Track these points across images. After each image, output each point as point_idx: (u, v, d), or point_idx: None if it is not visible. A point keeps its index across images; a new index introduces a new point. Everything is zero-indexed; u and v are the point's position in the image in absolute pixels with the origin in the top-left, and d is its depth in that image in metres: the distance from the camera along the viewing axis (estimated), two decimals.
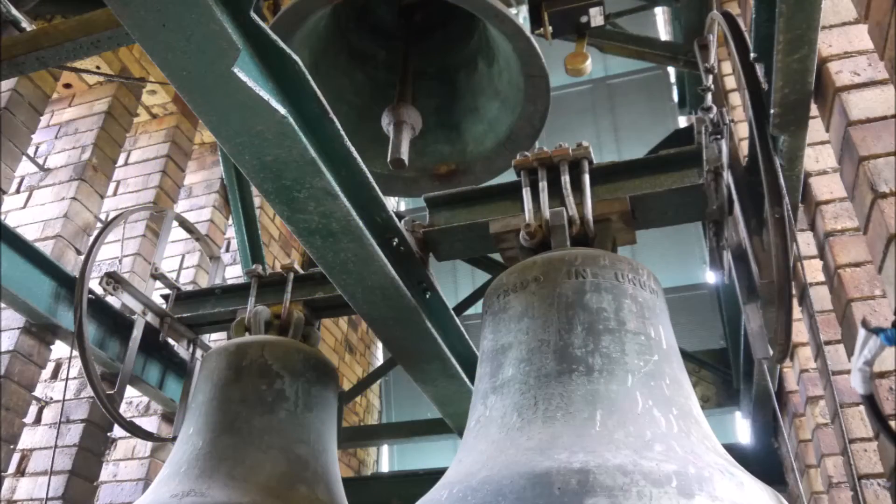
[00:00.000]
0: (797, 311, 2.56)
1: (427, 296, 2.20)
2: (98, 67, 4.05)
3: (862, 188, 1.59)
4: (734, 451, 2.26)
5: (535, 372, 1.56)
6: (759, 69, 1.66)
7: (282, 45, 1.44)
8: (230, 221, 4.42)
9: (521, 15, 2.10)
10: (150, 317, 2.91)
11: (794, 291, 1.72)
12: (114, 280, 2.80)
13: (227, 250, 4.75)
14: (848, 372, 2.08)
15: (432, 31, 2.51)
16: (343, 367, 6.05)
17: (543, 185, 1.99)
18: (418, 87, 2.38)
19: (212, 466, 2.02)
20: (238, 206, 3.77)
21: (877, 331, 1.23)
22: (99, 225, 3.81)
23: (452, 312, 2.34)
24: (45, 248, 3.39)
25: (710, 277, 6.22)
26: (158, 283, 3.04)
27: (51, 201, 3.72)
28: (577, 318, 1.62)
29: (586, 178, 1.98)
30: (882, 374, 1.72)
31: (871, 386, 1.28)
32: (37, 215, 3.68)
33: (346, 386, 5.64)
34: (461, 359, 2.48)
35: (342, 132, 1.65)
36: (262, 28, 1.38)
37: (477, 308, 3.96)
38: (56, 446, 3.29)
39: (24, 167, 3.91)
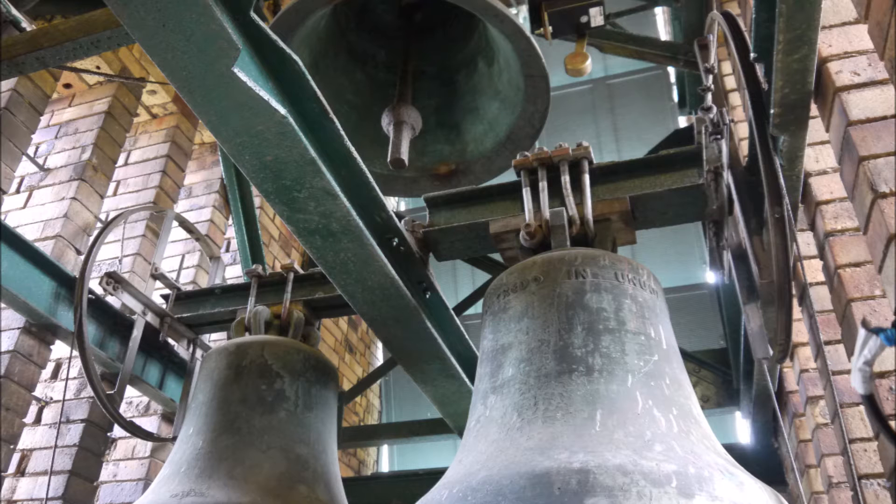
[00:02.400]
0: (797, 311, 2.56)
1: (427, 296, 2.20)
2: (98, 67, 4.05)
3: (862, 188, 1.59)
4: (734, 451, 2.26)
5: (535, 372, 1.56)
6: (759, 69, 1.66)
7: (282, 45, 1.44)
8: (230, 221, 4.42)
9: (521, 15, 2.10)
10: (150, 317, 2.91)
11: (794, 291, 1.72)
12: (114, 280, 2.80)
13: (227, 250, 4.75)
14: (848, 372, 2.09)
15: (432, 31, 2.51)
16: (343, 367, 6.05)
17: (543, 185, 1.99)
18: (418, 86, 2.38)
19: (212, 466, 2.02)
20: (238, 206, 3.77)
21: (877, 331, 1.23)
22: (99, 225, 3.81)
23: (452, 312, 2.34)
24: (45, 248, 3.39)
25: (710, 277, 6.22)
26: (158, 283, 3.04)
27: (51, 201, 3.73)
28: (577, 318, 1.62)
29: (586, 178, 1.98)
30: (882, 374, 1.72)
31: (871, 386, 1.28)
32: (37, 215, 3.68)
33: (346, 386, 5.64)
34: (461, 359, 2.48)
35: (342, 132, 1.65)
36: (262, 28, 1.38)
37: (477, 308, 3.97)
38: (56, 446, 3.29)
39: (24, 167, 3.92)
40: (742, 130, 2.98)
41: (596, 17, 2.30)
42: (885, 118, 1.62)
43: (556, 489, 1.22)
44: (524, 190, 2.01)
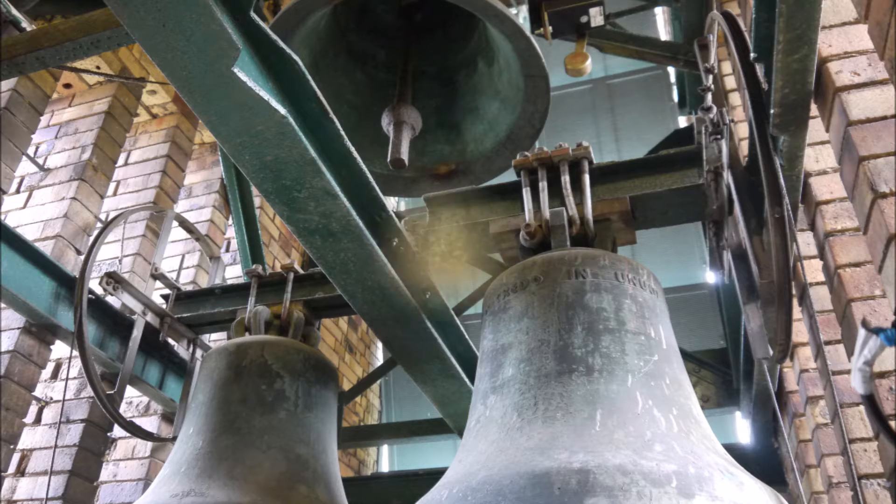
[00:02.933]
0: (797, 311, 2.56)
1: (427, 296, 2.20)
2: (98, 67, 4.05)
3: (862, 188, 1.59)
4: (734, 451, 2.26)
5: (535, 372, 1.56)
6: (759, 69, 1.66)
7: (282, 45, 1.44)
8: (230, 221, 4.42)
9: (521, 15, 2.10)
10: (150, 317, 2.91)
11: (794, 291, 1.72)
12: (114, 280, 2.80)
13: (227, 250, 4.75)
14: (848, 372, 2.09)
15: (432, 31, 2.51)
16: (343, 367, 6.05)
17: (543, 185, 1.99)
18: (418, 86, 2.38)
19: (212, 466, 2.02)
20: (238, 206, 3.77)
21: (877, 331, 1.23)
22: (99, 225, 3.81)
23: (452, 312, 2.34)
24: (45, 248, 3.39)
25: (710, 277, 6.22)
26: (158, 283, 3.04)
27: (51, 201, 3.73)
28: (576, 318, 1.62)
29: (586, 177, 1.98)
30: (882, 374, 1.72)
31: (871, 386, 1.28)
32: (37, 215, 3.68)
33: (346, 386, 5.64)
34: (461, 359, 2.48)
35: (342, 132, 1.65)
36: (262, 28, 1.38)
37: (477, 308, 3.96)
38: (56, 446, 3.29)
39: (24, 167, 3.92)
40: (742, 130, 2.98)
41: (596, 17, 2.30)
42: (885, 118, 1.62)
43: (556, 489, 1.22)
44: (524, 190, 2.01)
